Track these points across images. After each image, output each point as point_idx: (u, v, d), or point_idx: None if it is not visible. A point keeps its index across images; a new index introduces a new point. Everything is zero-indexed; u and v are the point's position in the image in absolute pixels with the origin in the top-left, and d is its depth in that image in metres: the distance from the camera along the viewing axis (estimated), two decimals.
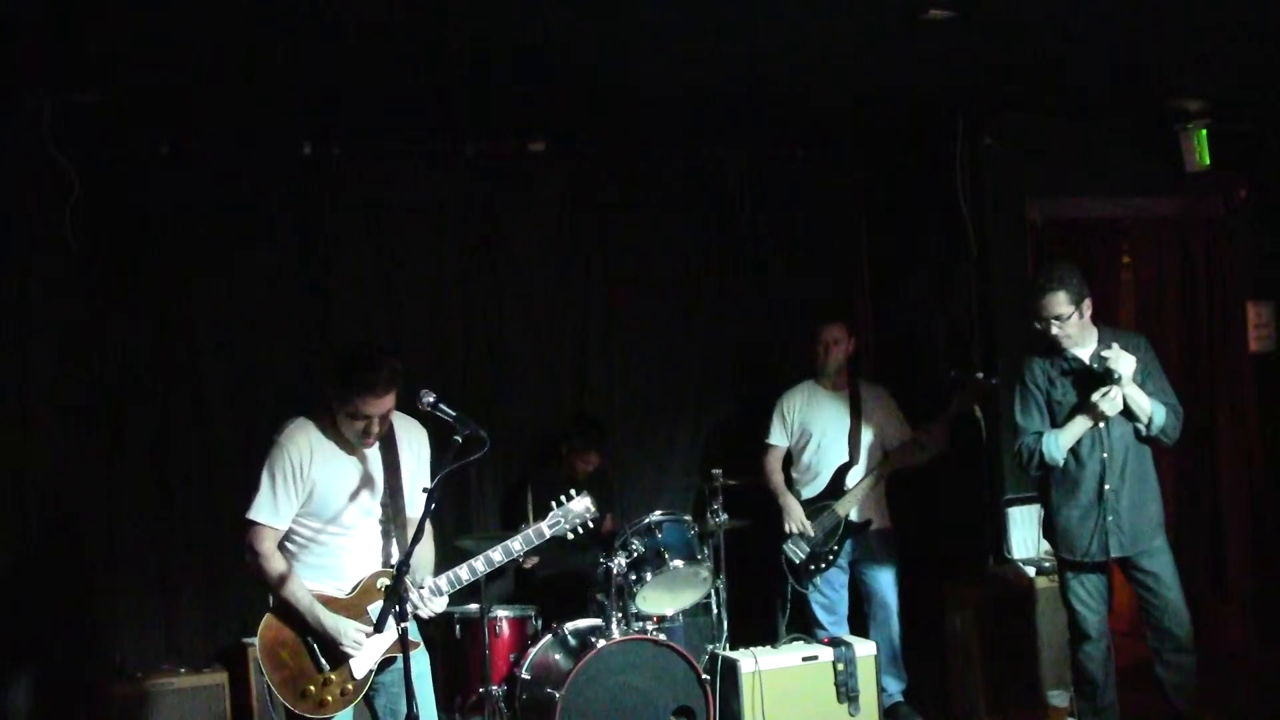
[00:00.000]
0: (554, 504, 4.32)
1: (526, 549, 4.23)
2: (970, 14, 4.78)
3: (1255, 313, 7.04)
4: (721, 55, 5.26)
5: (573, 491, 4.35)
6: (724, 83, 5.70)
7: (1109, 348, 4.92)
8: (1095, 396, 4.91)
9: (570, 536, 4.31)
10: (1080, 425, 4.98)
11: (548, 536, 4.26)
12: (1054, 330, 4.96)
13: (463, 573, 4.10)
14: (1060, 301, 4.92)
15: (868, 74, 5.61)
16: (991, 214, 6.48)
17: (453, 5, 4.54)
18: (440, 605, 4.08)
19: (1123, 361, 4.86)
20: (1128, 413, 4.97)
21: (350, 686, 4.00)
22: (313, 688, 3.96)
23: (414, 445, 4.16)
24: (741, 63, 5.38)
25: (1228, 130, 6.58)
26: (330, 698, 3.98)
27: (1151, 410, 4.96)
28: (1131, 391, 4.92)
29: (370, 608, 4.01)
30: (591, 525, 4.34)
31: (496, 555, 4.15)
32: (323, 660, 3.98)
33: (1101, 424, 4.98)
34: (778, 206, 7.08)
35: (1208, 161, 6.46)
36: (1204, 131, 6.43)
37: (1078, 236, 6.69)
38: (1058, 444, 5.01)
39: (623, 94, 5.83)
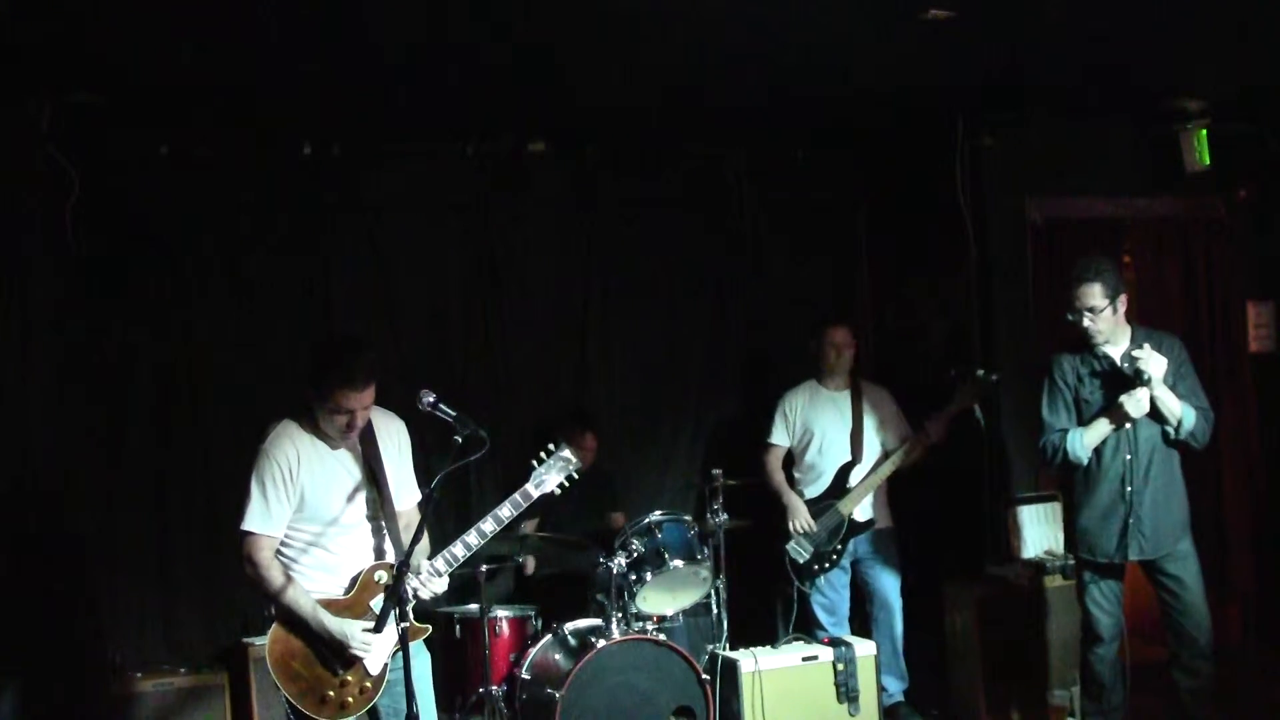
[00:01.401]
0: (534, 462, 4.28)
1: (515, 513, 4.19)
2: (970, 14, 4.78)
3: (1255, 313, 7.04)
4: (721, 55, 5.26)
5: (551, 446, 4.30)
6: (724, 82, 5.70)
7: (1140, 347, 4.90)
8: (1123, 398, 4.89)
9: (557, 491, 4.27)
10: (1105, 425, 4.96)
11: (535, 497, 4.22)
12: (1086, 322, 4.94)
13: (458, 550, 4.09)
14: (1095, 294, 4.91)
15: (868, 74, 5.61)
16: (991, 214, 6.48)
17: (453, 6, 4.54)
18: (442, 585, 4.07)
19: (1153, 362, 4.83)
20: (1157, 414, 4.93)
21: (369, 684, 4.01)
22: (332, 692, 3.96)
23: (394, 436, 4.15)
24: (741, 63, 5.38)
25: (1228, 130, 6.58)
26: (351, 698, 3.98)
27: (1181, 413, 4.92)
28: (1160, 393, 4.88)
29: (372, 603, 4.00)
30: (576, 476, 4.29)
31: (487, 525, 4.13)
32: (335, 664, 3.97)
33: (1128, 425, 4.95)
34: (778, 206, 7.09)
35: (1208, 161, 6.45)
36: (1204, 131, 6.42)
37: (1078, 236, 6.68)
38: (1082, 443, 4.99)
39: (622, 94, 5.83)
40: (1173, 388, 4.94)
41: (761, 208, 7.07)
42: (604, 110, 6.14)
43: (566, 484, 4.28)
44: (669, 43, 5.06)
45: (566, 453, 4.28)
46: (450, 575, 4.10)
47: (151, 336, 5.98)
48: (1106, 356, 5.03)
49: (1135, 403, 4.87)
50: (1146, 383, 4.83)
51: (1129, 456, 4.98)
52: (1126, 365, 4.92)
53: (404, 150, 6.35)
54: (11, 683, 5.39)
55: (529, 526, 6.12)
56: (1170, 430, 4.96)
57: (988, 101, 6.26)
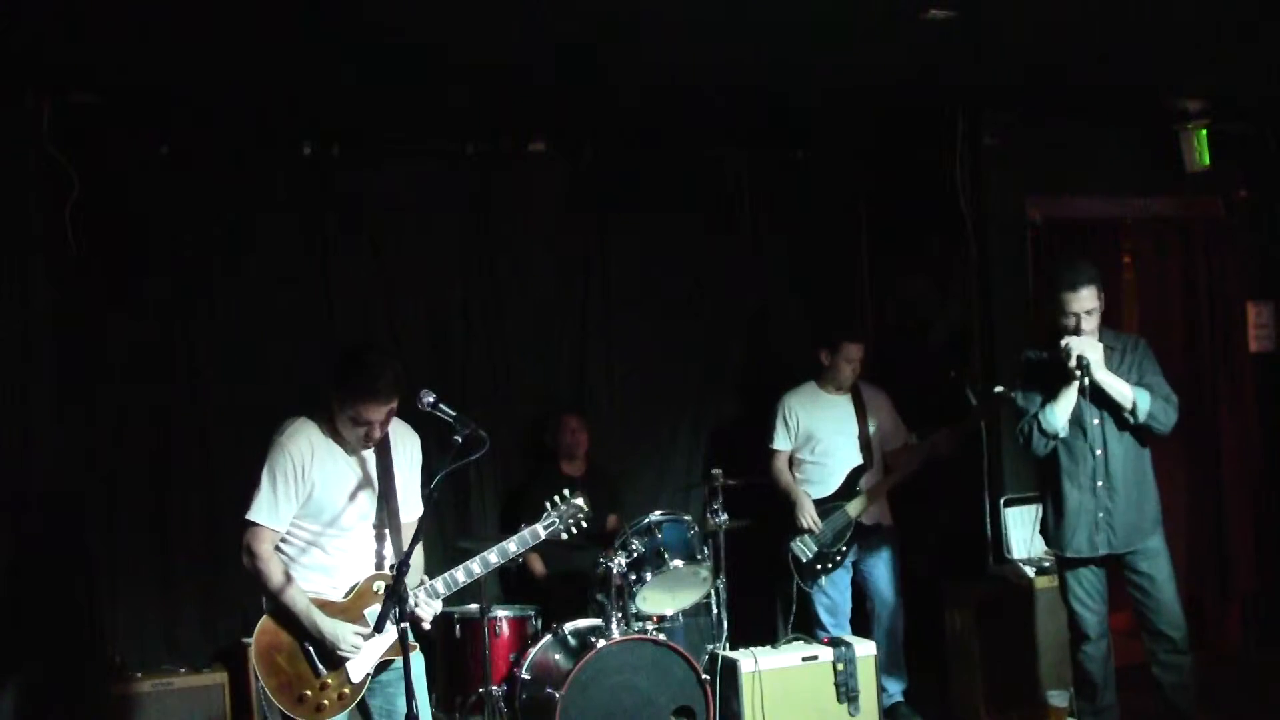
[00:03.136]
0: (548, 504, 4.33)
1: (521, 550, 4.24)
2: (970, 14, 4.78)
3: (1255, 313, 7.05)
4: (721, 55, 5.26)
5: (566, 492, 4.37)
6: (724, 83, 5.70)
7: (1111, 349, 4.98)
8: (1066, 339, 4.95)
9: (564, 537, 4.33)
10: (1070, 393, 5.01)
11: (543, 538, 4.28)
12: (1084, 325, 5.00)
13: (459, 575, 4.11)
14: (1093, 296, 4.99)
15: (868, 74, 5.61)
16: (991, 214, 6.48)
17: (454, 5, 4.54)
18: (436, 609, 4.09)
19: (1086, 348, 4.92)
20: (1109, 402, 5.00)
21: (347, 690, 3.99)
22: (309, 692, 3.95)
23: (407, 448, 4.15)
24: (742, 63, 5.38)
25: (1228, 130, 6.58)
26: (327, 701, 3.96)
27: (1134, 396, 4.99)
28: (1103, 377, 4.96)
29: (367, 611, 4.00)
30: (585, 525, 4.36)
31: (493, 557, 4.16)
32: (320, 665, 3.96)
33: (1096, 422, 5.02)
34: (778, 206, 7.09)
35: (1208, 161, 6.47)
36: (1204, 131, 6.44)
37: (1078, 236, 6.69)
38: (1054, 412, 5.03)
39: (623, 94, 5.83)
40: (1138, 383, 5.01)
41: (761, 208, 7.07)
42: (604, 110, 6.13)
43: (574, 530, 4.33)
44: (670, 43, 5.06)
45: (579, 501, 4.34)
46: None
47: (151, 336, 5.97)
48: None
49: (1078, 341, 4.92)
50: (1086, 368, 4.90)
51: (1100, 452, 5.05)
52: (1070, 363, 4.96)
53: (404, 150, 6.35)
54: (11, 683, 5.39)
55: (537, 564, 6.16)
56: (1127, 416, 5.01)
57: (988, 101, 6.26)
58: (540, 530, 4.27)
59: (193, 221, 6.03)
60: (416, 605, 3.99)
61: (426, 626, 4.06)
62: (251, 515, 3.95)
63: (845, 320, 6.59)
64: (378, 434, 3.94)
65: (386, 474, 4.05)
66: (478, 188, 6.52)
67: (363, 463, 4.04)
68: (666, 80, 5.60)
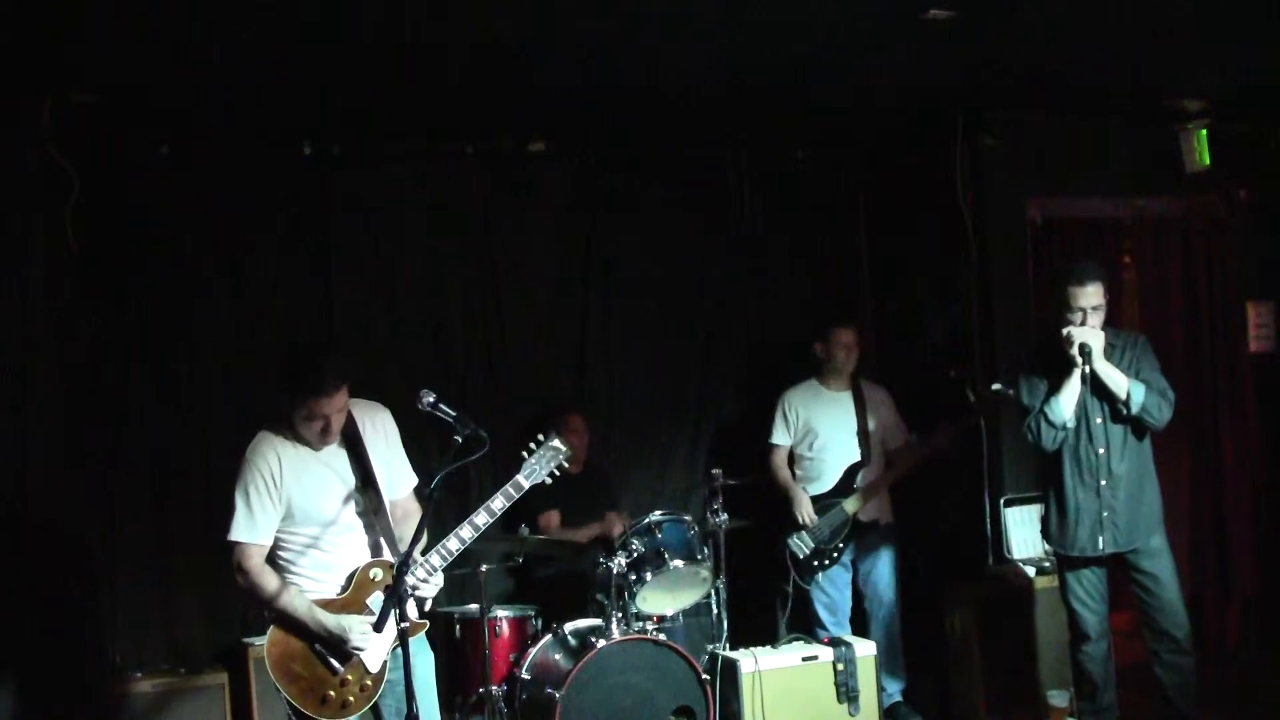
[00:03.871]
0: (524, 453, 4.28)
1: (508, 505, 4.19)
2: (970, 14, 4.78)
3: (1255, 313, 7.05)
4: (722, 55, 5.26)
5: (541, 436, 4.31)
6: (724, 83, 5.69)
7: (1111, 347, 5.01)
8: (1067, 330, 5.00)
9: (548, 481, 4.27)
10: (1074, 382, 5.03)
11: (526, 488, 4.22)
12: (1090, 320, 5.03)
13: (451, 544, 4.09)
14: (1099, 293, 5.03)
15: (868, 74, 5.61)
16: (992, 214, 6.48)
17: (454, 5, 4.54)
18: (438, 581, 4.08)
19: (1089, 336, 4.96)
20: (1105, 391, 5.02)
21: (369, 681, 4.01)
22: (332, 692, 3.97)
23: (380, 427, 4.16)
24: (742, 62, 5.38)
25: (1228, 130, 6.58)
26: (352, 697, 3.99)
27: (1129, 387, 5.01)
28: (1101, 366, 4.99)
29: (369, 600, 4.01)
30: (567, 464, 4.32)
31: (480, 519, 4.13)
32: (334, 662, 3.98)
33: (1098, 420, 5.04)
34: (778, 206, 7.09)
35: (1208, 161, 6.46)
36: (1204, 131, 6.43)
37: (1078, 236, 6.69)
38: (1059, 403, 5.06)
39: (623, 94, 5.83)
40: (1135, 377, 5.05)
41: (761, 208, 7.07)
42: (604, 110, 6.13)
43: (557, 473, 4.29)
44: (670, 43, 5.06)
45: (556, 442, 4.29)
46: (446, 572, 4.11)
47: (151, 336, 5.97)
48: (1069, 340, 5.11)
49: (1080, 330, 4.96)
50: (1089, 355, 4.94)
51: (1102, 451, 5.06)
52: (1072, 350, 5.00)
53: (404, 150, 6.35)
54: (11, 683, 5.39)
55: (554, 519, 6.12)
56: (1121, 407, 5.03)
57: (988, 101, 6.26)
58: (522, 481, 4.21)
59: (192, 221, 6.03)
60: (423, 581, 3.99)
61: (428, 597, 4.06)
62: (232, 535, 3.99)
63: (834, 310, 6.59)
64: (335, 426, 3.97)
65: (361, 460, 4.07)
66: (478, 188, 6.52)
67: (335, 456, 4.05)
68: (667, 80, 5.60)
